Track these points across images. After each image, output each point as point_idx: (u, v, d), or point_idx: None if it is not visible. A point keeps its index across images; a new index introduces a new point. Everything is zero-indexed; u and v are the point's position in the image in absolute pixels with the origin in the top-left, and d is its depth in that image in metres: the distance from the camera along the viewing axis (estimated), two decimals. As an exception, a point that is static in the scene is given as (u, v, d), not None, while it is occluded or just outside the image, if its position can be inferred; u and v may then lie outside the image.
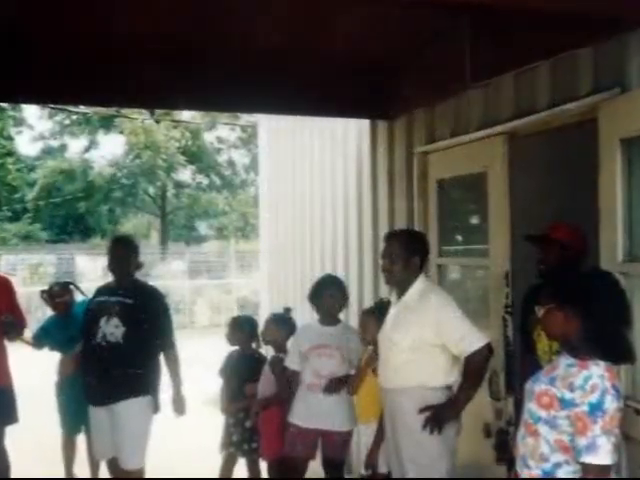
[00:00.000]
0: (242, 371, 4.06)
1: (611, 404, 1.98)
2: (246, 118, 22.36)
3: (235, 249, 18.04)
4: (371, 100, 4.32)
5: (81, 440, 4.49)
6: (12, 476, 3.90)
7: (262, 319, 4.45)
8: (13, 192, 24.66)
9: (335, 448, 3.66)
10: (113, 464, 3.81)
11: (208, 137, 25.50)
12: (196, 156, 24.30)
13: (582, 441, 1.98)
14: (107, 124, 24.01)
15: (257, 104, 4.47)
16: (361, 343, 3.52)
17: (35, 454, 5.03)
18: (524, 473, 2.17)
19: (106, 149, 28.11)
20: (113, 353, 3.63)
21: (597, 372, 2.04)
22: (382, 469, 3.31)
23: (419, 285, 3.03)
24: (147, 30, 3.44)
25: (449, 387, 2.98)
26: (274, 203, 7.01)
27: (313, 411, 3.58)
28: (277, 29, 3.53)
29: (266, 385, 3.86)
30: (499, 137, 3.39)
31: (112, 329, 3.63)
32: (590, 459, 1.98)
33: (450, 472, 2.93)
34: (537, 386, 2.17)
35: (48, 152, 26.99)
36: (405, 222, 4.18)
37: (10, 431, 3.90)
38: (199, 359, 7.36)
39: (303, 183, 6.04)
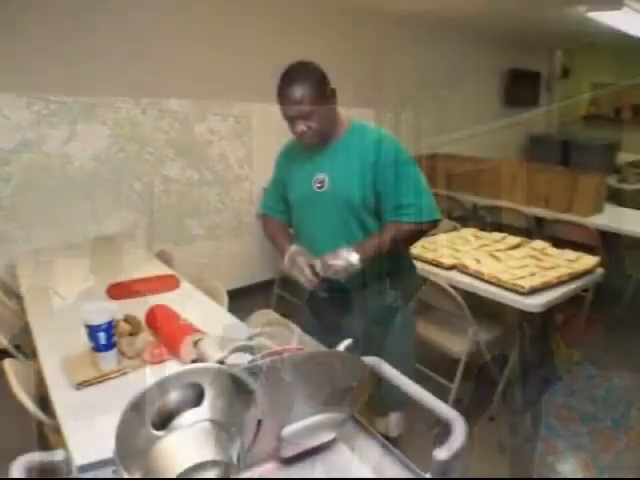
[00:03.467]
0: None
1: (636, 419, 1.98)
2: (240, 108, 22.38)
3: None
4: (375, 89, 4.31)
5: None
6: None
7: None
8: (-13, 188, 24.66)
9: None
10: None
11: (199, 128, 25.50)
12: (186, 149, 24.28)
13: (605, 458, 1.99)
14: (89, 114, 24.01)
15: (253, 93, 4.45)
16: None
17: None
18: (542, 493, 2.18)
19: (88, 141, 28.02)
20: None
21: (620, 384, 2.04)
22: None
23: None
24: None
25: None
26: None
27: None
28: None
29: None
30: None
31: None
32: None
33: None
34: (556, 399, 2.17)
35: (25, 144, 26.97)
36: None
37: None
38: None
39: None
